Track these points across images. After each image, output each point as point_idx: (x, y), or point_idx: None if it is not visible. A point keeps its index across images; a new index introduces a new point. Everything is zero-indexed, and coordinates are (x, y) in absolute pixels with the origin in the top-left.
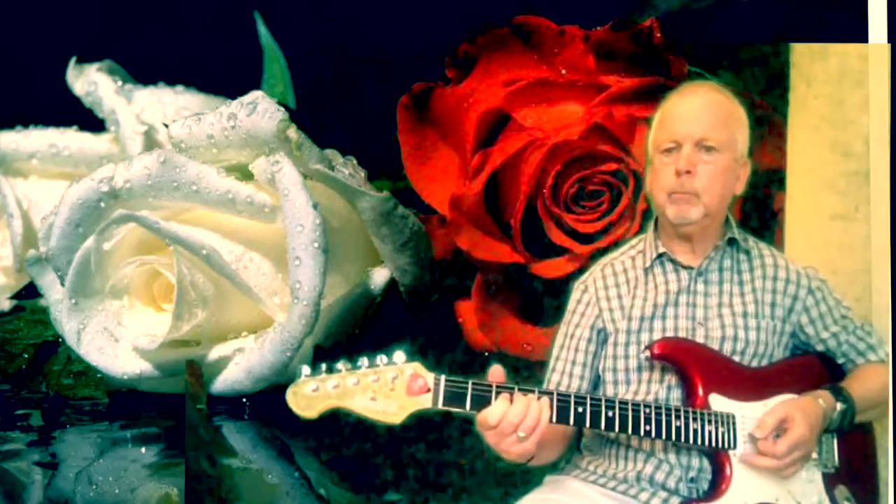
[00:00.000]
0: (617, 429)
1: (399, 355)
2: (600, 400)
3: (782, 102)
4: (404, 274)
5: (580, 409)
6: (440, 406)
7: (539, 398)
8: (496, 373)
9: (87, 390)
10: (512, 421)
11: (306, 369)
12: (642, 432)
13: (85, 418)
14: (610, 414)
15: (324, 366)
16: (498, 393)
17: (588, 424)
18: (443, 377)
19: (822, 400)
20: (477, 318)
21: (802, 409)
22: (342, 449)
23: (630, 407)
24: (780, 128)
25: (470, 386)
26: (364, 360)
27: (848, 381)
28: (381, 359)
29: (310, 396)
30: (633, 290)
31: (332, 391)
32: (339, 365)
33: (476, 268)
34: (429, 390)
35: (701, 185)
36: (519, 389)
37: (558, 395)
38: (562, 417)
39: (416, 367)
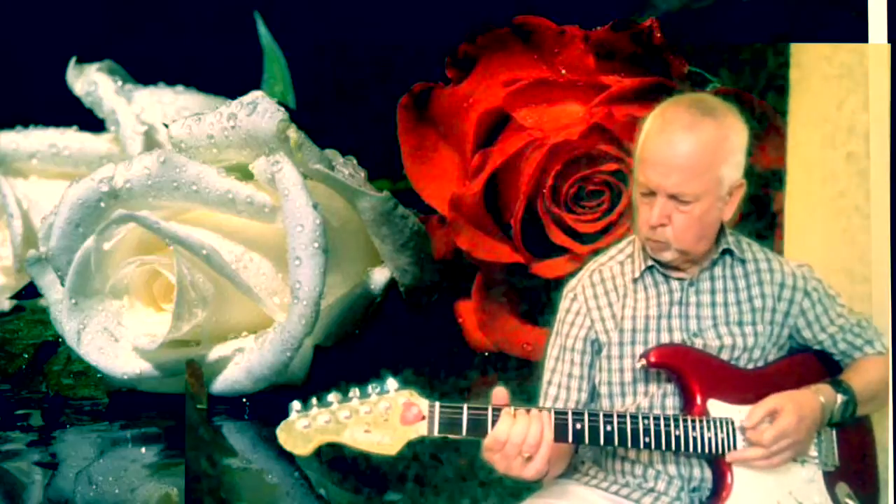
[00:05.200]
0: (616, 443)
1: (391, 383)
2: (598, 414)
3: (782, 102)
4: (404, 274)
5: (578, 426)
6: (436, 434)
7: (539, 413)
8: (500, 395)
9: (87, 390)
10: (515, 442)
11: (297, 405)
12: (641, 444)
13: (85, 418)
14: (608, 428)
15: (314, 399)
16: (495, 414)
17: (587, 441)
18: (437, 404)
19: (821, 395)
20: (477, 318)
21: (793, 400)
22: (342, 449)
23: (628, 419)
24: (780, 128)
25: (465, 411)
26: (355, 391)
27: (847, 373)
28: (373, 388)
29: (302, 433)
30: (624, 298)
31: (324, 426)
32: (331, 397)
33: (476, 268)
34: (423, 418)
35: (673, 236)
36: (517, 409)
37: (556, 412)
38: (560, 435)
39: (410, 394)
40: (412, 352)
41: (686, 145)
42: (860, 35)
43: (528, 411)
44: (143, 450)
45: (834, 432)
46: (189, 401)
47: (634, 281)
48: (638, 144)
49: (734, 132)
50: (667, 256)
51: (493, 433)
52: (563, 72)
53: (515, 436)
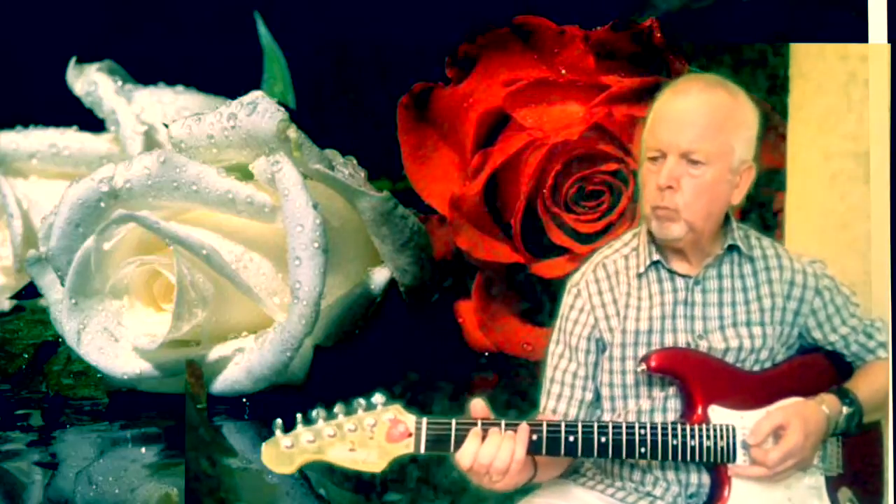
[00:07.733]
0: (611, 455)
1: (378, 398)
2: (592, 426)
3: (782, 102)
4: (404, 274)
5: (571, 438)
6: (423, 451)
7: (515, 432)
8: (478, 407)
9: (87, 390)
10: (483, 462)
11: (280, 422)
12: (637, 455)
13: (85, 418)
14: (603, 440)
15: (299, 416)
16: (484, 430)
17: (580, 454)
18: (424, 420)
19: (825, 406)
20: (477, 318)
21: (800, 416)
22: None
23: (624, 430)
24: (780, 128)
25: (453, 426)
26: (340, 408)
27: (854, 381)
28: (359, 403)
29: (286, 453)
30: (627, 296)
31: (307, 445)
32: (315, 413)
33: (476, 268)
34: (410, 435)
35: (683, 201)
36: (506, 424)
37: (547, 425)
38: (552, 449)
39: (396, 410)
40: (412, 352)
41: (701, 102)
42: (860, 35)
43: (503, 429)
44: (143, 450)
45: (839, 438)
46: (189, 401)
47: (639, 276)
48: (649, 114)
49: (747, 108)
50: (674, 231)
51: (459, 456)
52: (563, 72)
53: (483, 457)
